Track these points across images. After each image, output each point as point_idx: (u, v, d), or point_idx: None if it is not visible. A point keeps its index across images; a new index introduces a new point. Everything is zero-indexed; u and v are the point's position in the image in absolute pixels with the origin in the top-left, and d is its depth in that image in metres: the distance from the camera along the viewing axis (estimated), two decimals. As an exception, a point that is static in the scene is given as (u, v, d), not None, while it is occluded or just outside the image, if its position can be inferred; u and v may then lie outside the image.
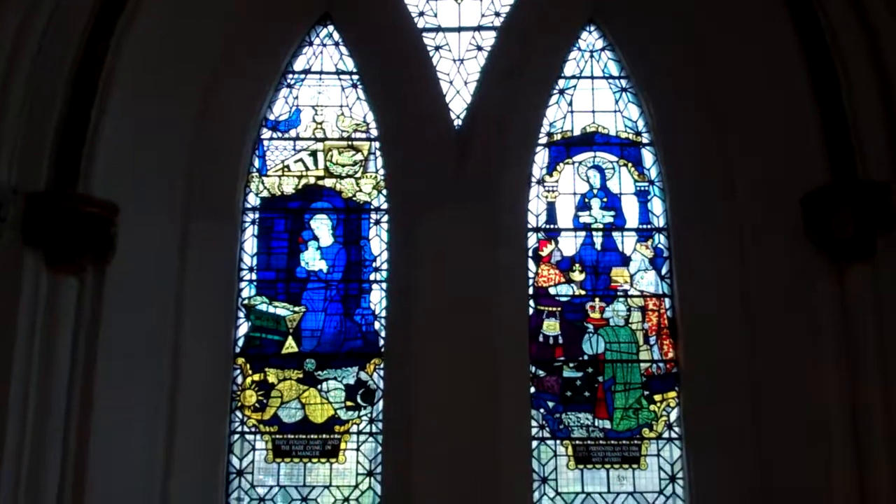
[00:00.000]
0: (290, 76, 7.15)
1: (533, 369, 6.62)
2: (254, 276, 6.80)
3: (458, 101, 7.01)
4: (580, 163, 7.06)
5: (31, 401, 5.57)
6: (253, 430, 6.52)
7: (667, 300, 6.78)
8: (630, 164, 7.04)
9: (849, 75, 5.97)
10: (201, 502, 6.19)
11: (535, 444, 6.49)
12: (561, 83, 7.14)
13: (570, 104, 7.13)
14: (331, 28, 7.21)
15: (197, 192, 6.57)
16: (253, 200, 6.93)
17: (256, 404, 6.55)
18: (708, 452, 6.33)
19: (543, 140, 7.04)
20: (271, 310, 6.73)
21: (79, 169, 5.93)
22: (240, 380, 6.59)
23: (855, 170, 5.96)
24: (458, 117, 6.91)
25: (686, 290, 6.67)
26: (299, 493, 6.42)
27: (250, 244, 6.86)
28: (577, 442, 6.53)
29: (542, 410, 6.57)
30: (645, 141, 7.06)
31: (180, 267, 6.43)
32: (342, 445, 6.50)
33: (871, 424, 5.64)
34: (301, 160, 7.02)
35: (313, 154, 7.05)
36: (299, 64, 7.18)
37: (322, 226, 6.90)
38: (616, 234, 6.94)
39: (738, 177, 6.58)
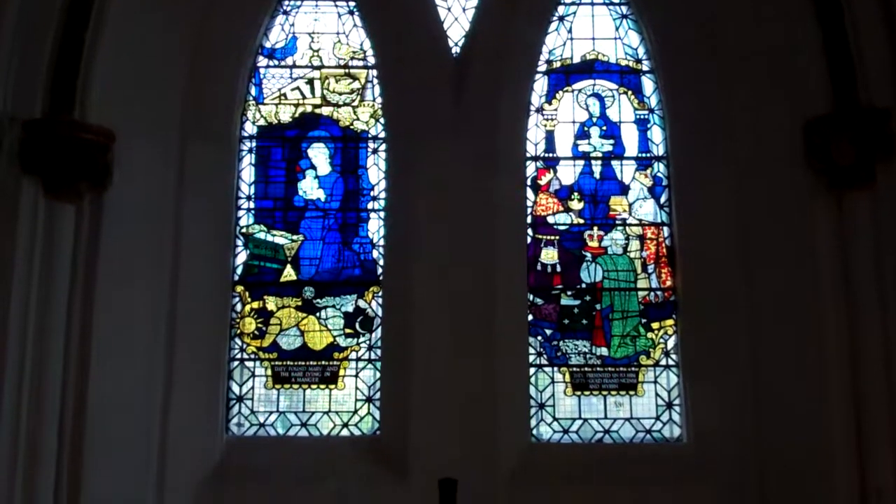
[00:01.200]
0: (287, 3, 7.08)
1: (531, 297, 6.65)
2: (252, 205, 6.80)
3: (457, 28, 6.94)
4: (580, 91, 7.01)
5: (30, 327, 5.59)
6: (252, 356, 6.57)
7: (665, 229, 6.79)
8: (630, 92, 6.99)
9: (852, 2, 5.89)
10: (202, 427, 6.24)
11: (532, 371, 6.55)
12: (560, 10, 7.06)
13: (570, 31, 7.06)
14: (327, -47, 7.13)
15: (193, 120, 6.53)
16: (250, 129, 6.90)
17: (256, 331, 6.58)
18: (704, 379, 6.38)
19: (542, 68, 6.98)
20: (269, 238, 6.74)
21: (74, 96, 5.88)
22: (239, 307, 6.61)
23: (857, 97, 5.91)
24: (456, 45, 6.85)
25: (685, 219, 6.67)
26: (299, 419, 6.49)
27: (248, 173, 6.84)
28: (575, 369, 6.58)
29: (539, 338, 6.61)
30: (645, 68, 7.00)
31: (177, 195, 6.41)
32: (341, 372, 6.55)
33: (868, 348, 5.66)
34: (298, 88, 6.97)
35: (310, 82, 7.00)
36: (296, -10, 7.11)
37: (319, 154, 6.87)
38: (615, 163, 6.91)
39: (738, 105, 6.52)
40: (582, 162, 6.91)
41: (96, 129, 5.89)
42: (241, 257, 6.71)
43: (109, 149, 5.93)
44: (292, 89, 6.97)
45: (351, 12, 7.08)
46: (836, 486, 5.55)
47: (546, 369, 6.58)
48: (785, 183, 6.15)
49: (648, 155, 6.89)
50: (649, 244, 6.77)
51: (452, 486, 4.66)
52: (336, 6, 7.10)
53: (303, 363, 6.56)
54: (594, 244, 6.78)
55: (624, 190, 6.87)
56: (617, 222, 6.82)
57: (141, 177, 6.18)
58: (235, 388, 6.51)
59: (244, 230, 6.74)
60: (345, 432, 6.46)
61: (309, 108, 6.94)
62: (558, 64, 7.01)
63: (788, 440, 5.86)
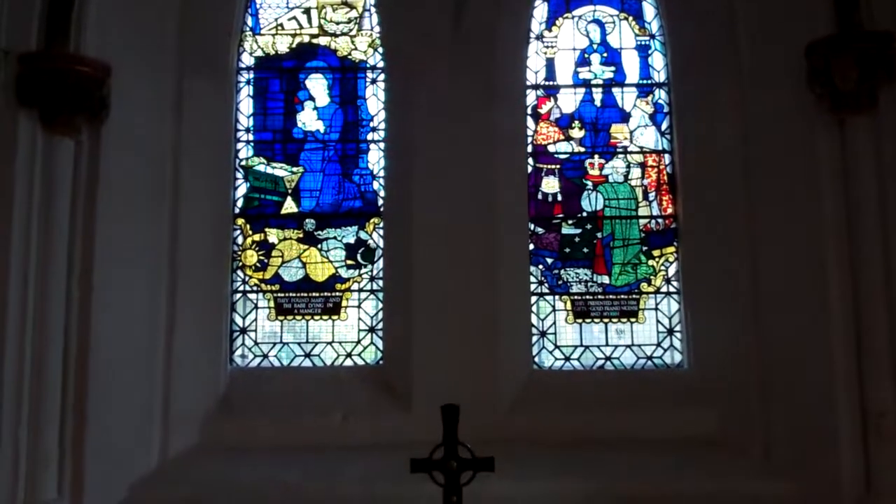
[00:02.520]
0: (282, -70, 6.98)
1: (532, 227, 6.66)
2: (251, 137, 6.77)
3: (455, -47, 6.82)
4: (580, 17, 6.94)
5: (31, 261, 5.57)
6: (255, 289, 6.60)
7: (666, 156, 6.76)
8: (631, 18, 6.91)
9: (855, -78, 5.79)
10: (206, 359, 6.30)
11: (534, 299, 6.58)
12: (559, -65, 6.96)
13: (570, -44, 6.97)
14: None
15: (190, 52, 6.46)
16: (247, 60, 6.85)
17: (257, 264, 6.61)
18: (705, 306, 6.41)
19: (542, -6, 6.90)
20: (269, 170, 6.73)
21: (70, 28, 5.81)
22: (240, 240, 6.63)
23: (859, 20, 5.82)
24: (454, -29, 6.74)
25: (686, 146, 6.64)
26: (302, 350, 6.54)
27: (246, 105, 6.80)
28: (576, 297, 6.61)
29: (540, 267, 6.63)
30: (646, -7, 6.92)
31: (176, 128, 6.37)
32: (343, 303, 6.59)
33: (869, 275, 5.64)
34: (294, 18, 6.90)
35: (307, 12, 6.92)
36: (291, -84, 6.99)
37: (318, 85, 6.82)
38: (616, 90, 6.86)
39: (740, 29, 6.41)
40: (582, 90, 6.87)
41: (92, 61, 5.82)
42: (242, 190, 6.70)
43: (106, 82, 5.86)
44: (289, 19, 6.90)
45: (347, -61, 6.98)
46: (838, 409, 5.55)
47: (547, 298, 6.61)
48: (786, 107, 6.07)
49: (649, 81, 6.83)
50: (650, 172, 6.75)
51: (455, 412, 4.69)
52: (332, -68, 7.00)
53: (305, 295, 6.59)
54: (595, 172, 6.76)
55: (625, 117, 6.83)
56: (618, 150, 6.79)
57: (138, 110, 6.12)
58: (238, 321, 6.55)
59: (243, 163, 6.73)
60: (348, 362, 6.52)
61: (306, 39, 6.88)
62: (558, -11, 6.93)
63: (789, 364, 5.87)
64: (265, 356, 6.53)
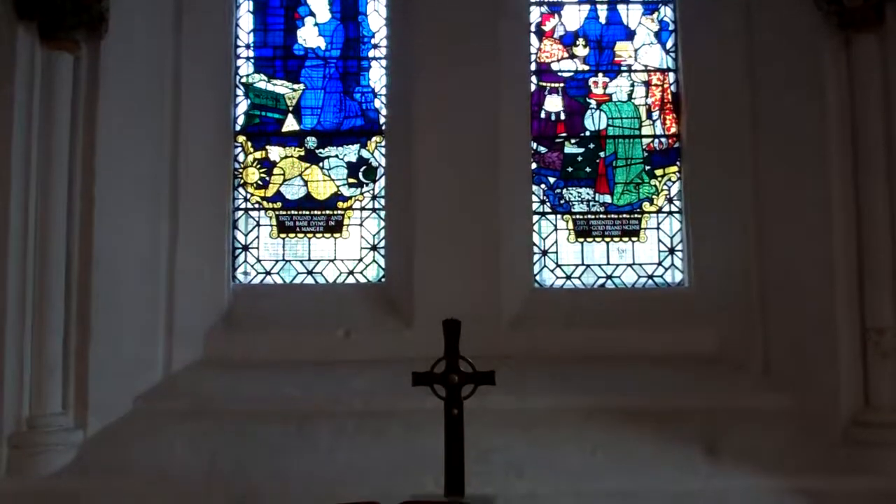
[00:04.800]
0: None
1: (534, 146, 6.61)
2: (251, 54, 6.69)
3: None
4: (585, -69, 6.82)
5: (32, 179, 5.56)
6: (256, 206, 6.59)
7: (671, 75, 6.69)
8: (636, -68, 6.79)
9: None
10: (208, 276, 6.31)
11: (535, 218, 6.57)
12: None
13: None
14: None
15: (188, -36, 6.37)
16: (247, -27, 6.75)
17: (259, 181, 6.59)
18: (707, 226, 6.40)
19: None
20: (270, 87, 6.66)
21: (65, -61, 5.73)
22: (241, 157, 6.60)
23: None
24: None
25: (691, 64, 6.57)
26: (304, 267, 6.55)
27: (246, 20, 6.70)
28: (578, 216, 6.60)
29: (543, 186, 6.61)
30: None
31: (175, 44, 6.28)
32: (345, 221, 6.58)
33: (872, 195, 5.62)
34: (295, -69, 6.78)
35: (308, -76, 6.81)
36: None
37: (318, 0, 6.72)
38: (621, 7, 6.77)
39: (746, -56, 6.33)
40: (587, 6, 6.77)
41: (90, -27, 5.76)
42: (242, 107, 6.64)
43: (102, -5, 5.80)
44: (289, -68, 6.78)
45: None
46: (837, 326, 5.59)
47: (549, 217, 6.60)
48: (792, 25, 6.00)
49: (655, -2, 6.75)
50: (654, 90, 6.69)
51: (456, 326, 4.72)
52: None
53: (307, 213, 6.58)
54: (599, 91, 6.70)
55: (629, 35, 6.74)
56: (622, 69, 6.72)
57: (137, 25, 6.04)
58: (241, 238, 6.55)
59: (244, 79, 6.66)
60: (350, 280, 6.53)
61: (307, -48, 6.77)
62: None
63: (790, 282, 5.90)
64: (267, 273, 6.54)
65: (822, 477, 5.42)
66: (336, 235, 6.57)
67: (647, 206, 6.59)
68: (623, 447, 5.57)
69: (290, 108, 6.66)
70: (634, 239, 6.58)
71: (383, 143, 6.61)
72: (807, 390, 5.74)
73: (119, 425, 5.77)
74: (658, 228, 6.58)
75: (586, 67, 6.73)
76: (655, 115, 6.67)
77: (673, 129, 6.63)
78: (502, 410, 5.55)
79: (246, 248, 6.55)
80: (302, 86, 6.68)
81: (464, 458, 4.62)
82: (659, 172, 6.61)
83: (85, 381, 5.65)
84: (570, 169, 6.63)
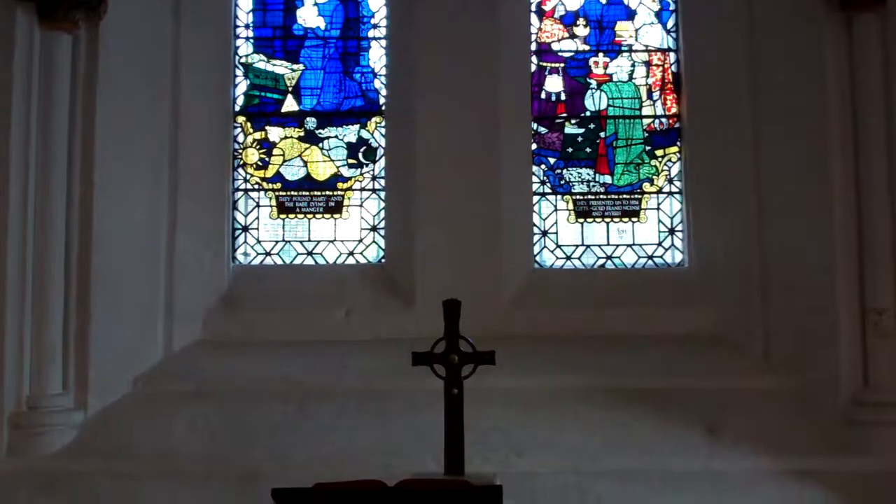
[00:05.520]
0: None
1: (535, 126, 6.60)
2: (250, 34, 6.68)
3: None
4: (585, -90, 6.77)
5: (31, 160, 5.56)
6: (256, 187, 6.58)
7: (671, 55, 6.66)
8: (637, -88, 6.75)
9: None
10: (209, 256, 6.31)
11: (536, 199, 6.55)
12: None
13: None
14: None
15: (187, -55, 6.34)
16: (246, -47, 6.71)
17: (259, 162, 6.58)
18: (707, 205, 6.39)
19: None
20: (269, 68, 6.64)
21: (63, -82, 5.70)
22: (241, 138, 6.58)
23: None
24: None
25: (691, 44, 6.55)
26: (304, 248, 6.54)
27: (245, 0, 6.68)
28: (578, 196, 6.59)
29: (543, 166, 6.60)
30: None
31: (174, 23, 6.26)
32: (345, 202, 6.57)
33: (873, 170, 5.61)
34: None
35: None
36: None
37: (317, -20, 6.72)
38: (622, -14, 6.75)
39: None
40: (588, -15, 6.75)
41: (89, -47, 5.73)
42: (242, 88, 6.63)
43: (101, -26, 5.78)
44: None
45: None
46: (837, 306, 5.59)
47: (549, 197, 6.59)
48: (793, 5, 5.97)
49: (656, -23, 6.71)
50: (655, 70, 6.67)
51: (456, 306, 4.72)
52: None
53: (307, 193, 6.57)
54: (599, 71, 6.68)
55: (630, 15, 6.72)
56: (623, 48, 6.69)
57: (136, 5, 6.02)
58: (241, 219, 6.54)
59: (243, 60, 6.64)
60: (350, 261, 6.53)
61: (306, -69, 6.73)
62: None
63: (790, 262, 5.90)
64: (267, 254, 6.54)
65: (821, 456, 5.43)
66: (336, 216, 6.56)
67: (647, 187, 6.58)
68: (622, 427, 5.59)
69: (290, 89, 6.64)
70: (634, 219, 6.57)
71: (383, 124, 6.60)
72: (806, 370, 5.75)
73: (119, 406, 5.79)
74: (658, 209, 6.57)
75: (587, 47, 6.70)
76: (656, 95, 6.65)
77: (673, 110, 6.61)
78: (502, 390, 5.56)
79: (246, 228, 6.55)
80: (301, 66, 6.66)
81: (464, 438, 4.64)
82: (659, 153, 6.59)
83: (85, 361, 5.67)
84: (570, 149, 6.62)
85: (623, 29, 6.71)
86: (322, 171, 6.59)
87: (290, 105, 6.64)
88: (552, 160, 6.60)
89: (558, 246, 6.54)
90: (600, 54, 6.69)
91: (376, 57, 6.69)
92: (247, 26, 6.66)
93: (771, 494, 5.26)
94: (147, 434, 5.58)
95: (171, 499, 5.23)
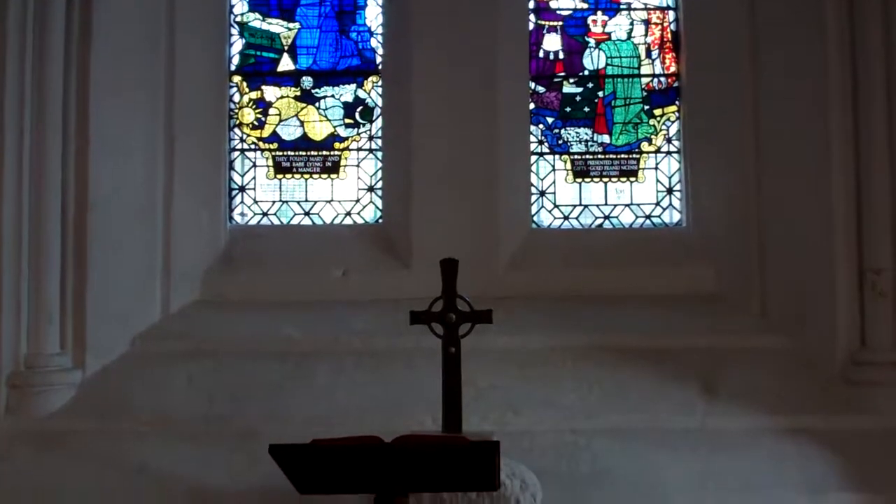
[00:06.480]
0: None
1: (533, 85, 6.56)
2: (245, -9, 6.63)
3: None
4: None
5: (27, 116, 5.50)
6: (253, 147, 6.54)
7: (671, 13, 6.61)
8: None
9: None
10: (205, 217, 6.28)
11: (533, 158, 6.52)
12: None
13: None
14: None
15: None
16: None
17: (255, 122, 6.54)
18: (706, 165, 6.36)
19: None
20: (265, 26, 6.58)
21: None
22: (237, 98, 6.54)
23: None
24: None
25: (691, 2, 6.47)
26: (301, 208, 6.52)
27: (240, -43, 6.63)
28: (576, 156, 6.56)
29: (540, 126, 6.56)
30: None
31: (168, -19, 6.22)
32: (342, 162, 6.54)
33: (872, 133, 5.58)
34: None
35: None
36: None
37: (313, -64, 6.64)
38: (620, -57, 6.68)
39: None
40: (587, -59, 6.68)
41: None
42: (237, 47, 6.57)
43: (93, -73, 5.71)
44: None
45: None
46: (835, 265, 5.58)
47: (547, 157, 6.56)
48: (795, -38, 5.93)
49: (655, -67, 6.64)
50: (654, 29, 6.61)
51: (453, 265, 4.72)
52: None
53: (304, 153, 6.54)
54: (598, 30, 6.63)
55: (629, -29, 6.67)
56: (621, 6, 6.63)
57: (130, -38, 5.99)
58: (237, 179, 6.52)
59: (238, 18, 6.57)
60: (348, 221, 6.52)
61: None
62: None
63: (788, 222, 5.88)
64: (265, 214, 6.52)
65: (818, 416, 5.44)
66: (333, 176, 6.53)
67: (645, 146, 6.55)
68: (620, 386, 5.60)
69: (286, 48, 6.59)
70: (633, 179, 6.54)
71: (380, 83, 6.55)
72: (804, 330, 5.76)
73: (117, 365, 5.79)
74: (656, 168, 6.54)
75: (585, 6, 6.64)
76: (655, 54, 6.60)
77: (672, 69, 6.57)
78: (500, 349, 5.58)
79: (242, 189, 6.52)
80: (297, 24, 6.60)
81: (461, 396, 4.65)
82: (658, 112, 6.56)
83: (83, 321, 5.66)
84: (568, 109, 6.58)
85: (622, -14, 6.66)
86: (319, 131, 6.55)
87: (286, 64, 6.59)
88: (550, 119, 6.57)
89: (556, 206, 6.52)
90: (599, 12, 6.63)
91: (373, 16, 6.62)
92: (242, -17, 6.61)
93: (767, 452, 5.26)
94: (145, 393, 5.58)
95: (170, 457, 5.23)
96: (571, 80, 6.60)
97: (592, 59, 6.61)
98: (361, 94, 6.57)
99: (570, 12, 6.64)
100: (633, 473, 5.11)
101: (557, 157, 6.56)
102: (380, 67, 6.57)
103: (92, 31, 5.73)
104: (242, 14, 6.59)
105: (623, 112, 6.57)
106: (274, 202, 6.53)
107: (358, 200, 6.52)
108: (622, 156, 6.55)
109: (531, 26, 6.58)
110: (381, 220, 6.48)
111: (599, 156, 6.55)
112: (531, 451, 5.07)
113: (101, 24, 5.76)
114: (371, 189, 6.51)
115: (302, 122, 6.55)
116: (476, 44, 6.26)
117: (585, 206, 6.53)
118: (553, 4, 6.65)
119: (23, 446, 5.30)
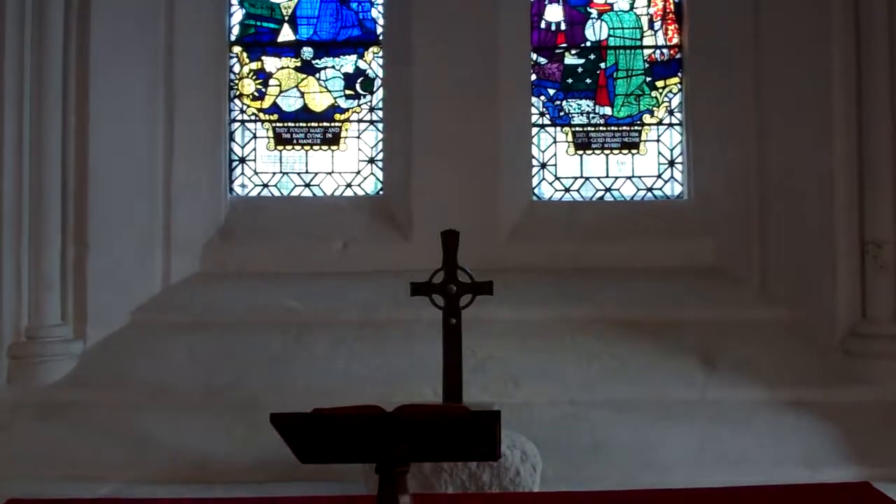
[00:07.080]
0: None
1: (534, 57, 6.52)
2: (246, -40, 6.57)
3: None
4: None
5: (26, 89, 5.48)
6: (253, 118, 6.52)
7: (674, -18, 6.58)
8: None
9: None
10: (206, 188, 6.28)
11: (535, 130, 6.50)
12: None
13: None
14: None
15: None
16: None
17: (255, 93, 6.51)
18: (707, 138, 6.35)
19: None
20: (265, -4, 6.56)
21: None
22: (237, 69, 6.51)
23: None
24: None
25: (693, -27, 6.45)
26: (302, 180, 6.51)
27: (240, -74, 6.58)
28: (577, 128, 6.53)
29: (542, 98, 6.54)
30: None
31: (168, -50, 6.17)
32: (343, 133, 6.52)
33: (874, 108, 5.55)
34: None
35: None
36: None
37: None
38: (624, -88, 6.62)
39: None
40: None
41: None
42: (237, 17, 6.53)
43: None
44: None
45: None
46: (836, 238, 5.57)
47: (548, 129, 6.54)
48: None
49: None
50: (656, 0, 6.57)
51: (454, 237, 4.69)
52: None
53: (304, 125, 6.51)
54: (600, 0, 6.58)
55: (632, -58, 6.61)
56: (624, -23, 6.61)
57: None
58: (237, 150, 6.49)
59: (239, -12, 6.55)
60: (348, 193, 6.50)
61: None
62: None
63: (789, 195, 5.87)
64: (265, 186, 6.50)
65: (818, 388, 5.46)
66: (333, 148, 6.51)
67: (647, 119, 6.52)
68: (619, 358, 5.61)
69: (286, 18, 6.55)
70: (634, 151, 6.53)
71: (380, 54, 6.52)
72: (804, 302, 5.76)
73: (118, 336, 5.80)
74: (658, 141, 6.52)
75: (587, -25, 6.61)
76: (657, 25, 6.56)
77: (675, 40, 6.54)
78: (500, 321, 5.58)
79: (243, 160, 6.50)
80: (297, -6, 6.57)
81: (462, 368, 4.63)
82: (660, 84, 6.53)
83: (83, 292, 5.68)
84: (570, 80, 6.56)
85: (624, -43, 6.61)
86: (319, 103, 6.52)
87: (286, 35, 6.56)
88: (552, 91, 6.54)
89: (557, 178, 6.51)
90: (601, -18, 6.61)
91: (373, -14, 6.60)
92: (242, -48, 6.56)
93: (767, 424, 5.27)
94: (146, 364, 5.59)
95: (170, 428, 5.24)
96: (573, 52, 6.57)
97: (594, 30, 6.57)
98: (362, 65, 6.54)
99: (572, -18, 6.60)
100: (632, 445, 5.12)
101: (559, 129, 6.54)
102: (380, 38, 6.53)
103: (91, 3, 5.68)
104: (242, -17, 6.55)
105: (625, 84, 6.54)
106: (274, 174, 6.51)
107: (358, 172, 6.50)
108: (624, 128, 6.53)
109: (533, -3, 6.54)
110: (381, 192, 6.47)
111: (601, 128, 6.53)
112: (531, 423, 5.08)
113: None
114: (371, 161, 6.49)
115: (302, 94, 6.52)
116: (477, 14, 6.22)
117: (587, 179, 6.52)
118: (555, -26, 6.60)
119: (24, 416, 5.32)
